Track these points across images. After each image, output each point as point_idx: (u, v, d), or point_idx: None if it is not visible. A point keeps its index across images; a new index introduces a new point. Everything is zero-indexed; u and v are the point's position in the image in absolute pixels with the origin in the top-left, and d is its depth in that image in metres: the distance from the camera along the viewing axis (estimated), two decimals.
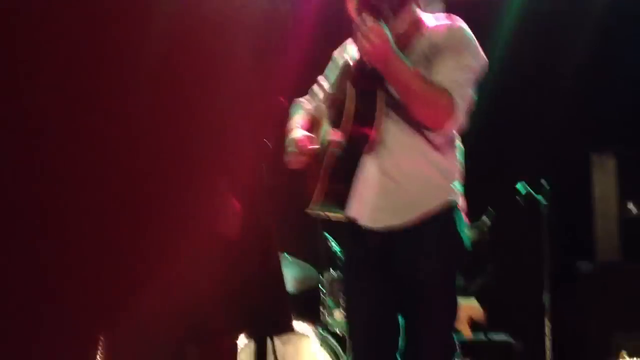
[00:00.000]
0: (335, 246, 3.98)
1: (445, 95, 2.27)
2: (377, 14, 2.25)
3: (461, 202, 2.44)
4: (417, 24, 2.44)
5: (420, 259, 2.34)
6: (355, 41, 2.30)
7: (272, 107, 1.99)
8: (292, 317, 2.59)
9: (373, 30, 2.22)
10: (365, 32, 2.23)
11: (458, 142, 2.50)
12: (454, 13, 2.52)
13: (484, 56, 2.42)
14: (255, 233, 2.35)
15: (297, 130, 2.56)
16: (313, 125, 2.59)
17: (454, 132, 2.43)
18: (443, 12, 2.55)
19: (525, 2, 4.97)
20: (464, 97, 2.32)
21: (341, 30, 2.55)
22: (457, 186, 2.44)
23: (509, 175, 4.40)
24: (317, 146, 2.49)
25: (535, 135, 4.92)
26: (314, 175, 2.45)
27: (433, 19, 2.48)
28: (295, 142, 2.50)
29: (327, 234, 4.01)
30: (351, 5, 2.44)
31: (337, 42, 2.67)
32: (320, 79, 2.70)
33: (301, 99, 2.73)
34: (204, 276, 2.23)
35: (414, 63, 2.32)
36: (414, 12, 2.45)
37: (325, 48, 2.76)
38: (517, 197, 4.16)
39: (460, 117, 2.32)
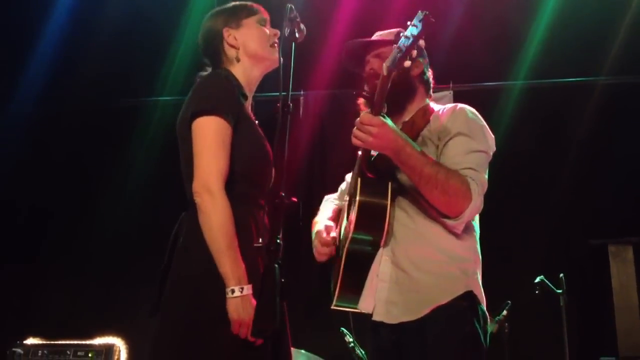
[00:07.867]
0: (351, 340, 3.91)
1: (461, 179, 2.21)
2: (372, 105, 2.19)
3: (479, 290, 2.32)
4: (424, 110, 2.43)
5: (432, 354, 2.22)
6: (355, 140, 2.21)
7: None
8: None
9: (365, 121, 2.16)
10: (359, 127, 2.17)
11: (475, 224, 2.40)
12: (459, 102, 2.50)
13: (492, 135, 2.38)
14: None
15: (320, 222, 2.58)
16: (338, 219, 2.61)
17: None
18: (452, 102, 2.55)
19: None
20: (480, 181, 2.25)
21: None
22: (474, 274, 2.33)
23: (527, 268, 4.35)
24: (335, 234, 2.49)
25: (552, 227, 4.89)
26: (336, 271, 2.43)
27: (439, 105, 2.47)
28: (316, 234, 2.52)
29: (343, 329, 3.95)
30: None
31: None
32: (348, 176, 2.73)
33: (329, 195, 2.78)
34: None
35: (422, 148, 2.27)
36: (423, 102, 2.46)
37: None
38: (536, 290, 4.11)
39: (478, 202, 2.25)
